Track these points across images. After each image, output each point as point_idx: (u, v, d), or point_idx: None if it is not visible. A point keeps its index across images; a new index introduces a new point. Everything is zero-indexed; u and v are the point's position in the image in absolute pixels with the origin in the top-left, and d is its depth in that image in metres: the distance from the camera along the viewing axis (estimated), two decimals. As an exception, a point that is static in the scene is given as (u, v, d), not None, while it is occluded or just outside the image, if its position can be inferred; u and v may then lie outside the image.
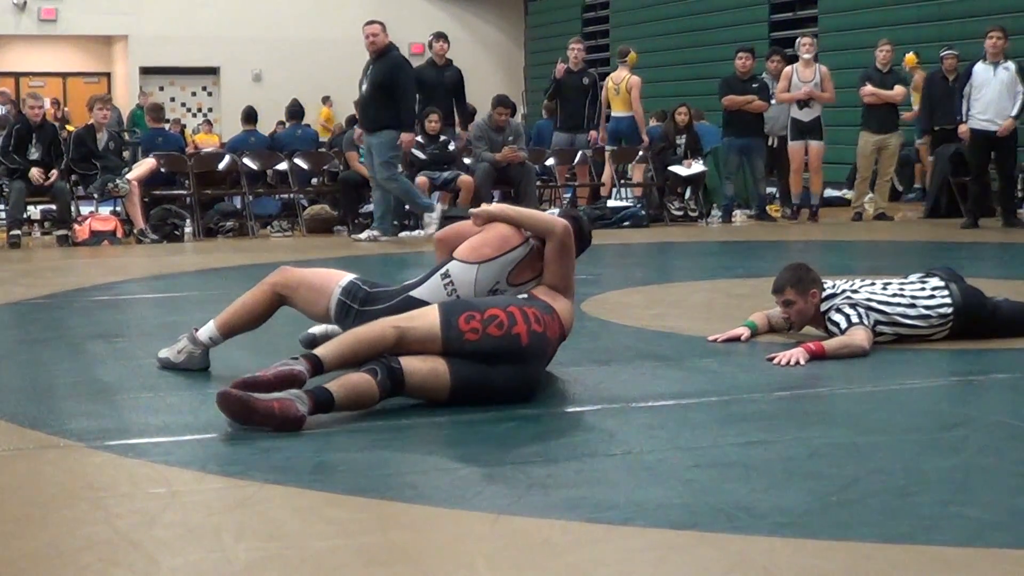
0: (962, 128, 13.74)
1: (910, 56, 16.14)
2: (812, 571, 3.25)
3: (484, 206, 5.91)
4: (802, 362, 5.96)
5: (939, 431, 4.81)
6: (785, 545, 3.44)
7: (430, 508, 3.83)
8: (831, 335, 6.28)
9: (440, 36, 15.28)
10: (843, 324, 6.23)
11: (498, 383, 5.07)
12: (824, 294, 6.38)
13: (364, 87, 12.92)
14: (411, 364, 5.00)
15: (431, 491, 4.02)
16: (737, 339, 6.54)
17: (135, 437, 4.67)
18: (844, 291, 6.39)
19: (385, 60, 12.81)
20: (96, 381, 5.72)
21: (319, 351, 5.08)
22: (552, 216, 5.73)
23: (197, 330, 5.78)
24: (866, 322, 6.24)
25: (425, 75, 15.04)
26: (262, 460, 4.33)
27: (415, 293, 5.60)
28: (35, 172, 12.77)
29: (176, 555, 3.39)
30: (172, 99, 28.10)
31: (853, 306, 6.29)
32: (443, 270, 5.67)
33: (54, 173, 12.87)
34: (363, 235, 13.20)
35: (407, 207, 13.49)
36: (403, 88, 12.83)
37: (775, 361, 6.00)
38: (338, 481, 4.10)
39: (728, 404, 5.24)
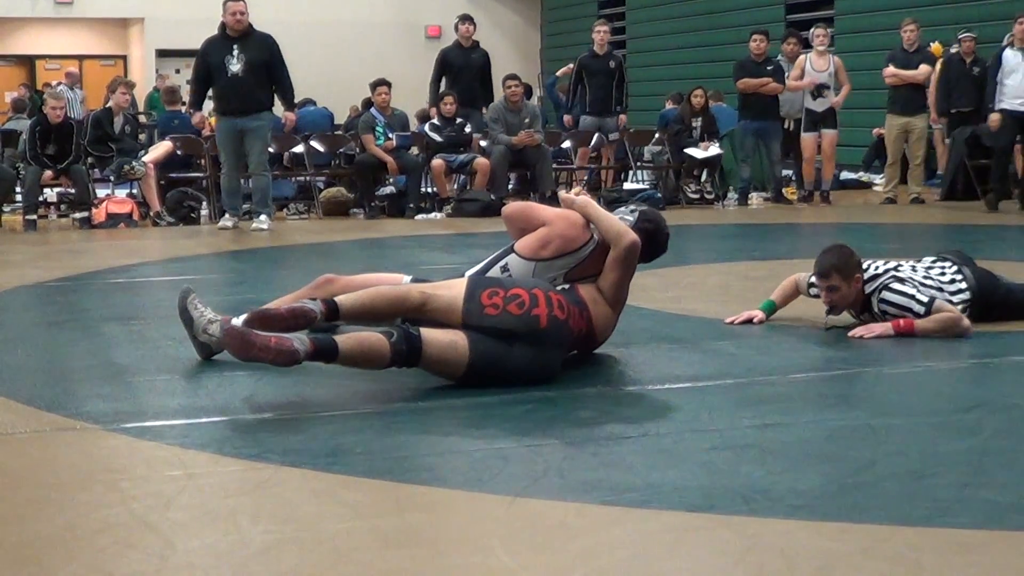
0: (993, 117, 13.58)
1: (936, 46, 16.05)
2: (828, 554, 3.25)
3: (572, 196, 5.80)
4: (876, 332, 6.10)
5: (955, 413, 4.80)
6: (801, 527, 3.44)
7: (446, 490, 3.84)
8: (874, 317, 6.23)
9: (466, 18, 15.27)
10: (916, 304, 6.14)
11: (515, 363, 5.05)
12: (866, 275, 6.31)
13: (235, 68, 12.09)
14: (430, 333, 4.97)
15: (447, 473, 4.03)
16: (750, 321, 6.52)
17: (151, 420, 4.68)
18: (888, 270, 6.32)
19: (255, 38, 12.28)
20: (112, 364, 5.73)
21: (338, 298, 5.07)
22: (626, 228, 5.59)
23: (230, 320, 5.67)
24: (937, 295, 6.20)
25: (452, 57, 15.02)
26: (278, 442, 4.33)
27: None
28: (49, 174, 12.83)
29: (192, 537, 3.39)
30: (188, 82, 28.08)
31: (903, 282, 6.22)
32: (503, 262, 5.69)
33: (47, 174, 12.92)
34: (252, 225, 12.38)
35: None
36: (283, 65, 12.37)
37: (856, 335, 6.13)
38: (354, 463, 4.10)
39: (745, 386, 5.23)
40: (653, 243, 5.81)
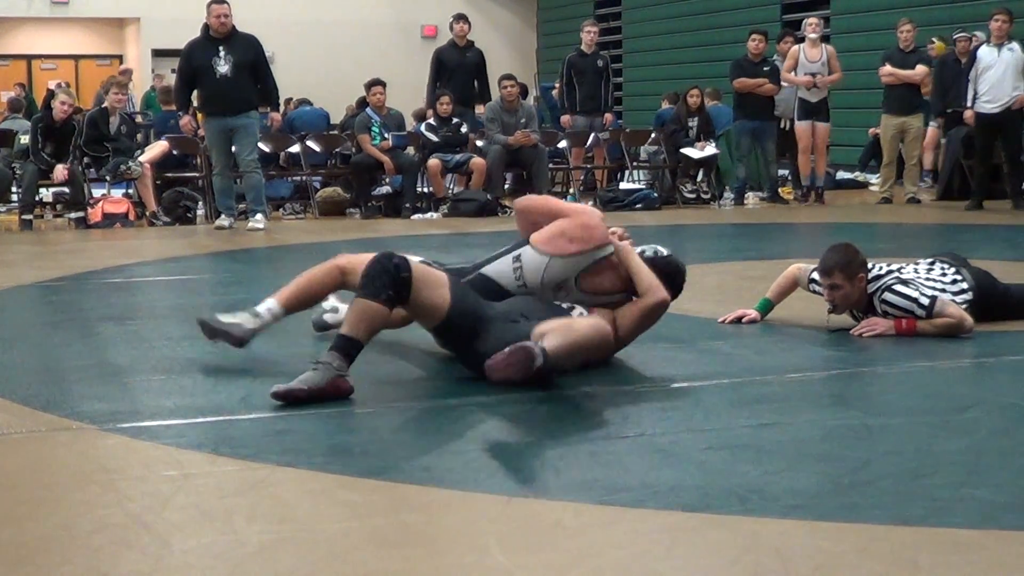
0: (967, 114, 13.76)
1: (938, 44, 15.99)
2: (824, 553, 3.25)
3: (615, 236, 5.62)
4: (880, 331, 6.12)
5: (951, 413, 4.80)
6: (797, 527, 3.43)
7: (442, 490, 3.83)
8: (878, 317, 6.23)
9: (461, 17, 15.27)
10: (917, 307, 6.13)
11: (493, 316, 5.15)
12: (869, 276, 6.28)
13: (223, 69, 12.13)
14: (420, 268, 5.06)
15: (443, 473, 4.02)
16: (739, 320, 6.52)
17: (147, 419, 4.67)
18: (891, 271, 6.31)
19: (241, 39, 12.33)
20: (108, 363, 5.72)
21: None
22: (659, 285, 5.46)
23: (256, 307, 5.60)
24: (940, 296, 6.19)
25: (446, 56, 15.02)
26: (274, 442, 4.33)
27: (486, 271, 5.54)
28: (59, 170, 12.73)
29: (188, 538, 3.39)
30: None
31: (905, 283, 6.21)
32: (516, 253, 5.55)
33: (59, 170, 12.80)
34: (248, 224, 12.34)
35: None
36: (267, 65, 12.54)
37: (857, 332, 6.15)
38: (350, 463, 4.10)
39: (741, 386, 5.23)
40: (677, 290, 5.76)
